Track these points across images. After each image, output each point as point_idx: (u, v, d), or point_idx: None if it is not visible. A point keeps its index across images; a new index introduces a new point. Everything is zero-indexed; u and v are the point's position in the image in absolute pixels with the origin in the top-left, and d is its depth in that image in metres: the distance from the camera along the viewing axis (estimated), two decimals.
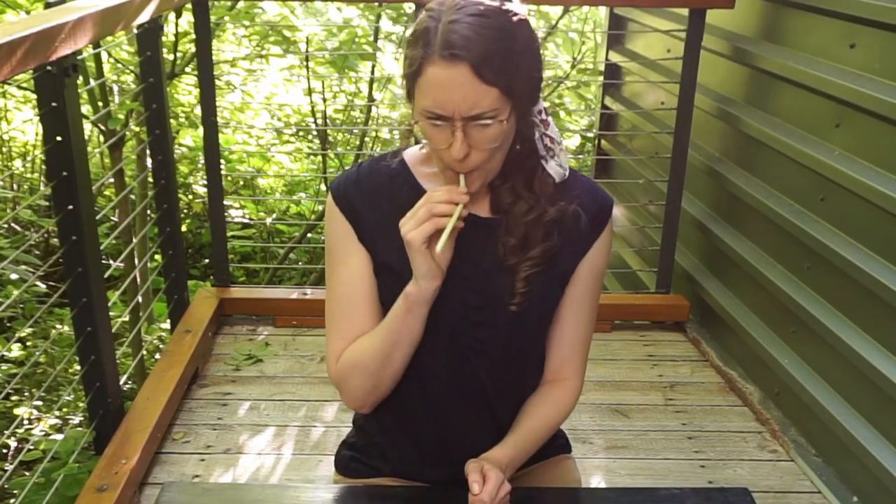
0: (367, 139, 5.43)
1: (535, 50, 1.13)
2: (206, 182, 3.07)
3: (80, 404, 3.14)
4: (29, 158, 5.22)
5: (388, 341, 1.21)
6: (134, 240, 3.39)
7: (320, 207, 5.12)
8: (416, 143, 1.28)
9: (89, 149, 3.28)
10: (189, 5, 2.85)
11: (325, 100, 4.83)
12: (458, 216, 1.11)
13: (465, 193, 1.12)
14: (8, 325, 3.72)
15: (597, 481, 2.24)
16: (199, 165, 5.06)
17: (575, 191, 1.25)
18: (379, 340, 1.22)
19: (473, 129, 1.09)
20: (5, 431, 3.04)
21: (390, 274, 1.22)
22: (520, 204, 1.20)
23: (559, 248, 1.23)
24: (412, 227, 1.10)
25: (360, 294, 1.25)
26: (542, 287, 1.24)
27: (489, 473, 1.14)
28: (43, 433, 3.28)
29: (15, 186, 5.10)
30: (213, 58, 2.89)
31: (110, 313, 2.21)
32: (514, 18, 1.09)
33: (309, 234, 5.03)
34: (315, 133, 5.33)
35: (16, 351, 3.70)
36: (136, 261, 3.43)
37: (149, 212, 3.49)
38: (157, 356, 3.26)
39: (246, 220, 5.19)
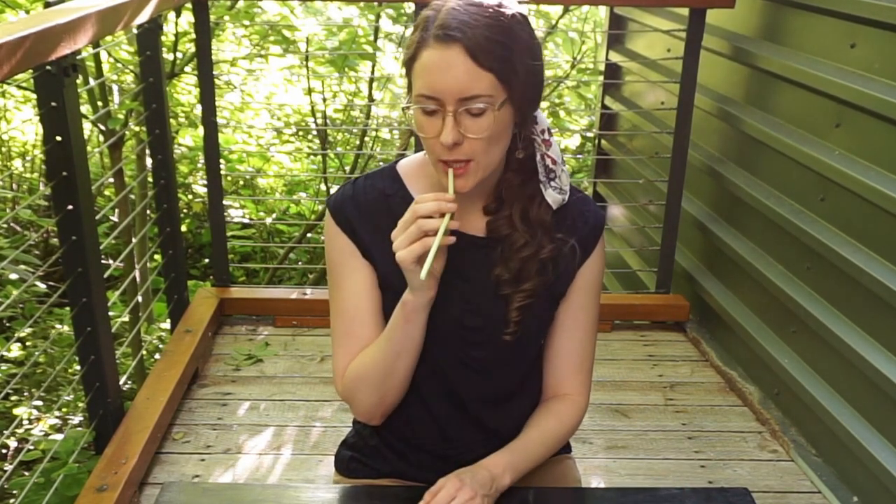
0: (366, 139, 5.43)
1: (535, 48, 1.13)
2: (206, 182, 3.07)
3: (80, 404, 3.14)
4: (29, 158, 5.22)
5: (389, 352, 1.20)
6: (134, 240, 3.39)
7: (320, 207, 5.12)
8: (416, 149, 1.28)
9: (89, 149, 3.28)
10: (189, 5, 2.85)
11: (325, 100, 4.83)
12: (446, 230, 1.08)
13: (452, 201, 1.09)
14: (8, 325, 3.72)
15: (597, 481, 2.24)
16: (199, 165, 5.06)
17: (570, 215, 1.24)
18: (381, 352, 1.21)
19: (465, 117, 1.09)
20: (5, 431, 3.04)
21: (392, 291, 1.21)
22: (515, 236, 1.20)
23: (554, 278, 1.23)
24: (402, 244, 1.08)
25: (365, 309, 1.25)
26: (537, 312, 1.24)
27: (447, 483, 1.15)
28: (43, 433, 3.28)
29: (15, 186, 5.10)
30: (213, 57, 2.89)
31: (110, 313, 2.21)
32: (513, 15, 1.10)
33: (309, 234, 5.03)
34: (315, 133, 5.33)
35: (16, 351, 3.70)
36: (136, 261, 3.43)
37: (149, 212, 3.49)
38: (157, 356, 3.26)
39: (246, 220, 5.19)
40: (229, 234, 3.92)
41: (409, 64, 1.12)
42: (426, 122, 1.11)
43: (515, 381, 1.32)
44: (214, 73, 2.93)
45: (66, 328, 3.11)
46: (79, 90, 2.01)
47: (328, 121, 4.97)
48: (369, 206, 1.24)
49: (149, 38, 2.54)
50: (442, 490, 1.15)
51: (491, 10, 1.09)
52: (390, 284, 1.22)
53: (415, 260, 1.08)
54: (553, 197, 1.21)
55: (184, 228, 4.48)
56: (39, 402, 3.44)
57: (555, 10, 4.76)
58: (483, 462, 1.22)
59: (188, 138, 5.27)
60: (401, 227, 1.10)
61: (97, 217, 2.21)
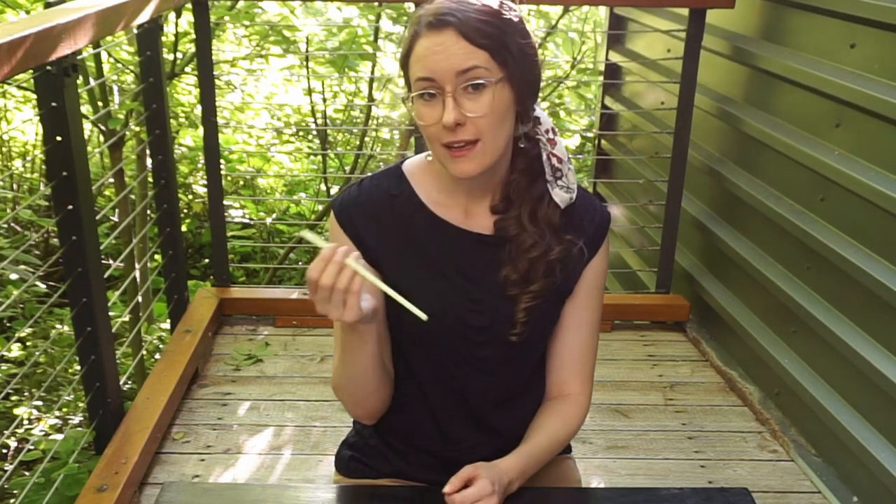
0: (367, 139, 5.43)
1: (525, 30, 1.15)
2: (206, 182, 3.07)
3: (80, 404, 3.14)
4: (29, 158, 5.22)
5: (348, 367, 1.20)
6: (134, 240, 3.39)
7: (320, 207, 5.13)
8: (417, 150, 1.28)
9: (89, 149, 3.28)
10: (189, 5, 2.85)
11: (325, 100, 4.83)
12: (356, 261, 1.04)
13: (335, 250, 1.03)
14: (8, 325, 3.72)
15: (597, 481, 2.24)
16: (199, 165, 5.06)
17: (577, 215, 1.25)
18: (341, 365, 1.22)
19: (465, 97, 1.10)
20: (5, 431, 3.04)
21: (394, 290, 1.21)
22: (524, 236, 1.20)
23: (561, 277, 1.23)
24: (340, 313, 1.04)
25: None
26: (544, 312, 1.25)
27: (477, 481, 1.13)
28: (43, 433, 3.28)
29: (15, 186, 5.10)
30: (213, 58, 2.89)
31: (110, 313, 2.21)
32: (506, 8, 1.13)
33: None
34: (315, 133, 5.34)
35: (16, 351, 3.70)
36: (136, 261, 3.43)
37: (149, 212, 3.50)
38: (157, 356, 3.26)
39: (246, 220, 5.19)
40: (229, 234, 3.92)
41: (405, 59, 1.14)
42: (426, 110, 1.12)
43: (520, 382, 1.32)
44: (214, 73, 2.93)
45: (66, 328, 3.11)
46: (79, 90, 2.00)
47: (328, 121, 4.97)
48: (374, 206, 1.24)
49: (149, 38, 2.54)
50: (472, 488, 1.12)
51: (484, 1, 1.12)
52: (393, 284, 1.21)
53: (360, 313, 1.05)
54: (561, 196, 1.21)
55: (184, 228, 4.48)
56: (39, 402, 3.44)
57: (555, 10, 4.76)
58: (500, 463, 1.20)
59: (188, 138, 5.27)
60: (321, 301, 1.04)
61: (97, 217, 2.21)
